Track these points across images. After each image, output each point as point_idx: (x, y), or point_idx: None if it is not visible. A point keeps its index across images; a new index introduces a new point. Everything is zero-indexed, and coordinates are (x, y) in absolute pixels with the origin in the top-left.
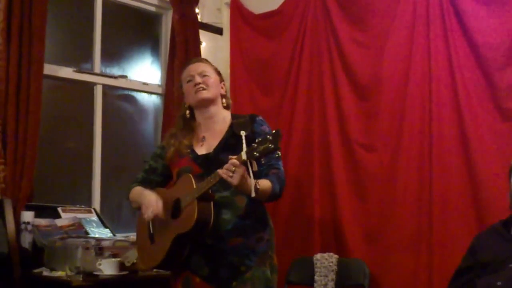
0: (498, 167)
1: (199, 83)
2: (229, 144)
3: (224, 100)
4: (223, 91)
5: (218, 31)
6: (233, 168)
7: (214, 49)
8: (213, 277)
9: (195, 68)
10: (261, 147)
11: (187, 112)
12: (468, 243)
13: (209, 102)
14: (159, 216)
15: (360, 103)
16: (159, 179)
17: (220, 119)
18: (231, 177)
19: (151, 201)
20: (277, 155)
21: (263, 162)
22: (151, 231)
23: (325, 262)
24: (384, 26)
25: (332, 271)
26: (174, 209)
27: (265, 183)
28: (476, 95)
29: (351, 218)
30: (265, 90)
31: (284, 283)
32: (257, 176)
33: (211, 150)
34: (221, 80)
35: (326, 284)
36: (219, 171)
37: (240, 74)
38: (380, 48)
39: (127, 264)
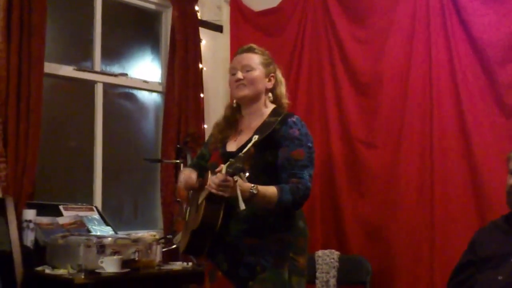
0: (499, 163)
1: (240, 79)
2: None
3: (270, 95)
4: (269, 85)
5: (218, 28)
6: (217, 182)
7: (214, 46)
8: (232, 274)
9: (240, 60)
10: (234, 165)
11: (234, 101)
12: (469, 239)
13: (249, 99)
14: (190, 184)
15: (361, 100)
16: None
17: (258, 115)
18: (220, 190)
19: (186, 174)
20: (302, 164)
21: (248, 175)
22: (187, 218)
23: (327, 259)
24: (385, 22)
25: (334, 267)
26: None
27: (266, 189)
28: (477, 91)
29: (352, 215)
30: None
31: None
32: (277, 183)
33: (239, 145)
34: (270, 72)
35: (327, 281)
36: (206, 186)
37: None
38: (380, 45)
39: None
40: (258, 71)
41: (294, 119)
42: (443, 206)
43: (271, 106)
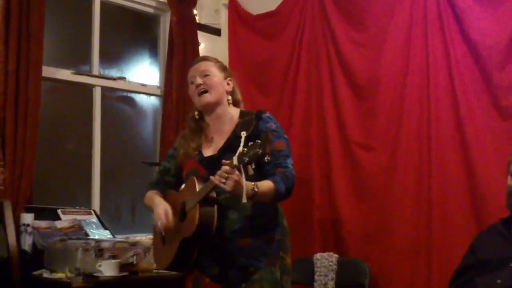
0: (497, 166)
1: (200, 84)
2: (233, 145)
3: (229, 98)
4: (229, 88)
5: (216, 32)
6: (225, 175)
7: (212, 50)
8: (223, 278)
9: (196, 68)
10: (251, 152)
11: (196, 113)
12: (467, 242)
13: (213, 104)
14: (169, 227)
15: (359, 103)
16: (173, 180)
17: (227, 118)
18: (224, 183)
19: (160, 214)
20: (284, 154)
21: (267, 160)
22: (163, 233)
23: (325, 262)
24: (382, 26)
25: (332, 270)
26: (181, 212)
27: (265, 185)
28: (474, 94)
29: (350, 217)
30: (264, 90)
31: None
32: (262, 176)
33: (218, 148)
34: (227, 76)
35: (326, 284)
36: (212, 178)
37: (238, 75)
38: (378, 48)
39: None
40: (216, 76)
41: (267, 114)
42: (441, 209)
43: (237, 109)
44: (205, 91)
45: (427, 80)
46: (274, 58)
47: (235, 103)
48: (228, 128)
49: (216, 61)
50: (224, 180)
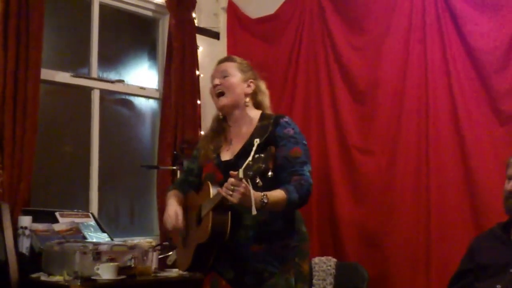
0: (496, 170)
1: (217, 85)
2: (248, 151)
3: (248, 100)
4: (249, 90)
5: (215, 35)
6: (232, 187)
7: (211, 53)
8: (238, 282)
9: (218, 68)
10: (255, 166)
11: (220, 113)
12: (466, 245)
13: (230, 107)
14: (179, 228)
15: (357, 107)
16: (196, 179)
17: (246, 121)
18: (231, 195)
19: (170, 215)
20: (301, 160)
21: (270, 176)
22: (184, 235)
23: (324, 266)
24: (381, 30)
25: (331, 274)
26: (198, 215)
27: (276, 195)
28: (472, 98)
29: (349, 221)
30: None
31: None
32: (277, 182)
33: (235, 153)
34: (248, 77)
35: None
36: (219, 189)
37: None
38: (376, 53)
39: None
40: (235, 77)
41: (286, 119)
42: (439, 212)
43: (258, 112)
44: (222, 93)
45: (426, 84)
46: (273, 62)
47: (257, 105)
48: (246, 131)
49: (239, 62)
50: (230, 192)
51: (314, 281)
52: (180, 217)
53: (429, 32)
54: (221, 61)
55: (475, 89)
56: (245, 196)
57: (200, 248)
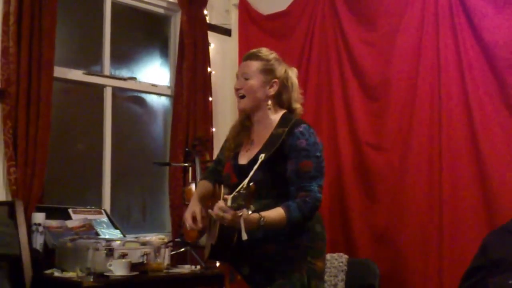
0: (509, 165)
1: (237, 89)
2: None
3: (269, 103)
4: (271, 92)
5: (227, 32)
6: (221, 212)
7: (222, 50)
8: (251, 279)
9: (242, 66)
10: (239, 199)
11: None
12: (479, 242)
13: (250, 110)
14: (196, 229)
15: (369, 103)
16: (224, 170)
17: (267, 124)
18: (222, 218)
19: (187, 218)
20: (310, 175)
21: (251, 213)
22: (209, 227)
23: (335, 262)
24: (393, 26)
25: (342, 271)
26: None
27: (275, 216)
28: (485, 93)
29: (360, 218)
30: None
31: None
32: (284, 197)
33: (250, 159)
34: (272, 78)
35: (336, 284)
36: (210, 211)
37: None
38: (389, 48)
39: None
40: (255, 80)
41: (301, 129)
42: (452, 209)
43: (280, 113)
44: (243, 96)
45: (438, 79)
46: (284, 58)
47: (282, 104)
48: (266, 134)
49: (265, 59)
50: (221, 215)
51: (326, 277)
52: (198, 217)
53: (442, 27)
54: (246, 58)
55: (488, 84)
56: (234, 222)
57: (213, 248)
